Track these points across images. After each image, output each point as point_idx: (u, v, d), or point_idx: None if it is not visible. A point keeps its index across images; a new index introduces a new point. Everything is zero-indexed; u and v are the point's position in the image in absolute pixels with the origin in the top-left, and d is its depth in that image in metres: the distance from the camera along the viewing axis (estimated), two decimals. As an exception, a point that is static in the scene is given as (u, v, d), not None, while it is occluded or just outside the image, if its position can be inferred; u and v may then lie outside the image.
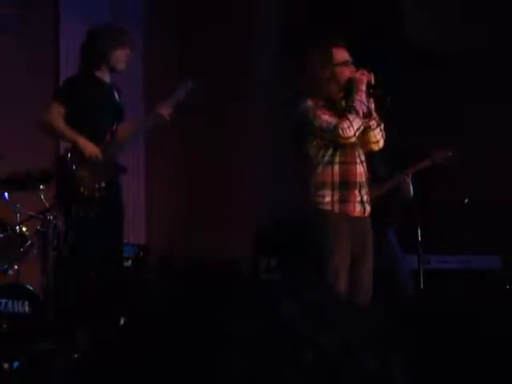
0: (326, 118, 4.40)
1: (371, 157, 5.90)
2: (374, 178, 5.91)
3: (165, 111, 5.20)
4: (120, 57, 5.15)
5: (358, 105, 4.42)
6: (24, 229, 5.75)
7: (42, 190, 6.02)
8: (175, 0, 8.64)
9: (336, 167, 4.43)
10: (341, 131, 4.36)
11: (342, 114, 4.44)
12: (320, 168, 4.43)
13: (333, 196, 4.41)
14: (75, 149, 5.01)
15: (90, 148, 4.98)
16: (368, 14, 7.85)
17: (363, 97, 4.45)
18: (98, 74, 5.14)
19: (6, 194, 5.79)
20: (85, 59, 5.21)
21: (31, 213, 5.88)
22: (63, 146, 6.09)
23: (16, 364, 5.01)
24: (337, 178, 4.42)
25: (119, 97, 5.36)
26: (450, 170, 6.24)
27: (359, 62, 4.60)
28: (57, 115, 5.04)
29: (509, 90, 7.68)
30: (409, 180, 6.07)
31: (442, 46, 8.02)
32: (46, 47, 7.77)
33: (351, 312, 0.95)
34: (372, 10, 7.89)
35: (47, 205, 5.96)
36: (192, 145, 8.29)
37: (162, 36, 8.51)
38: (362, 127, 4.45)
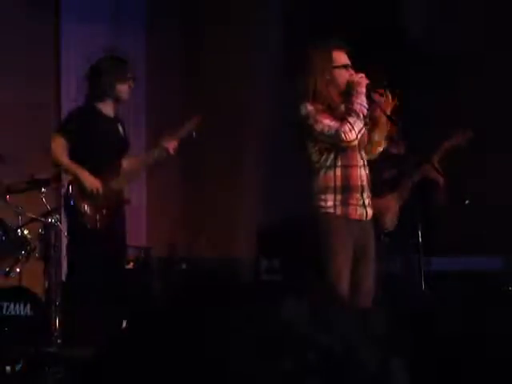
0: (327, 122, 4.41)
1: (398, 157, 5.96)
2: (402, 179, 5.93)
3: (171, 145, 5.24)
4: (123, 89, 5.18)
5: (357, 107, 4.42)
6: (26, 232, 5.75)
7: (44, 192, 6.02)
8: (177, 10, 8.65)
9: (338, 171, 4.44)
10: (343, 135, 4.36)
11: (342, 117, 4.44)
12: (322, 172, 4.44)
13: (335, 200, 4.43)
14: (77, 182, 5.04)
15: (90, 181, 5.02)
16: (368, 14, 7.85)
17: (363, 98, 4.45)
18: (102, 106, 5.16)
19: (8, 197, 5.79)
20: (88, 92, 5.24)
21: (33, 215, 5.89)
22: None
23: (18, 367, 5.02)
24: (339, 182, 4.43)
25: (124, 130, 5.39)
26: (451, 170, 6.26)
27: (359, 64, 4.61)
28: (59, 148, 5.08)
29: (509, 90, 7.68)
30: (436, 166, 6.09)
31: (442, 47, 8.02)
32: (46, 50, 7.78)
33: (352, 314, 0.95)
34: (372, 11, 7.89)
35: (49, 208, 5.97)
36: (193, 146, 8.29)
37: (164, 49, 8.52)
38: (364, 129, 4.46)
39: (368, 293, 4.48)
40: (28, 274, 5.82)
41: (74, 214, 5.04)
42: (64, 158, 5.09)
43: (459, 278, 6.93)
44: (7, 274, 5.65)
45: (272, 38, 8.43)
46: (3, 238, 5.56)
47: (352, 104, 4.43)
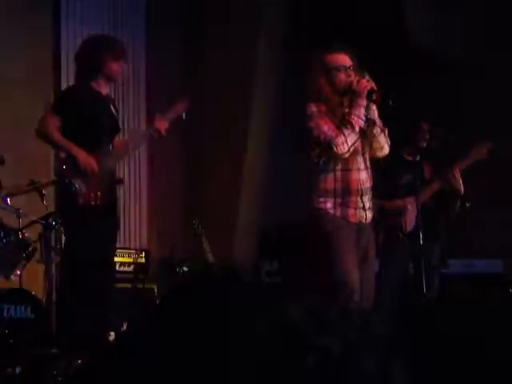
0: (325, 129, 4.40)
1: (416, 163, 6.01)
2: (419, 185, 5.97)
3: (162, 126, 5.24)
4: (115, 69, 5.16)
5: (354, 120, 4.41)
6: (26, 234, 5.75)
7: (45, 194, 6.03)
8: (177, 7, 8.65)
9: (338, 174, 4.45)
10: (335, 148, 4.37)
11: (339, 122, 4.44)
12: (323, 175, 4.45)
13: (335, 202, 4.44)
14: (71, 159, 5.02)
15: (85, 159, 5.00)
16: (369, 17, 7.86)
17: (361, 111, 4.43)
18: (95, 85, 5.14)
19: (9, 199, 5.79)
20: (80, 70, 5.22)
21: (34, 218, 5.89)
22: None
23: (18, 369, 5.01)
24: (339, 185, 4.45)
25: (115, 109, 5.38)
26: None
27: (361, 67, 4.60)
28: (53, 126, 5.05)
29: (509, 92, 7.69)
30: (458, 176, 6.16)
31: (443, 50, 8.03)
32: (46, 50, 7.78)
33: (353, 315, 0.95)
34: (373, 14, 7.89)
35: (49, 209, 5.97)
36: (194, 148, 8.30)
37: (164, 41, 8.52)
38: (357, 142, 4.45)
39: (369, 292, 4.49)
40: (29, 276, 5.82)
41: (67, 192, 5.01)
42: (57, 135, 5.06)
43: (460, 281, 6.93)
44: (8, 277, 5.65)
45: (274, 38, 8.43)
46: (4, 240, 5.55)
47: (349, 115, 4.42)
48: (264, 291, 1.01)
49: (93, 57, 5.09)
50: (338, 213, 4.44)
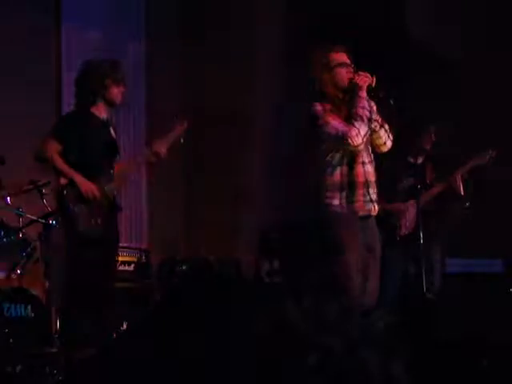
0: (335, 124, 4.45)
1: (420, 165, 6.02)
2: (421, 187, 5.98)
3: (162, 149, 5.26)
4: (114, 92, 5.15)
5: (361, 112, 4.46)
6: (26, 233, 5.75)
7: (45, 194, 6.03)
8: (176, 12, 8.65)
9: (344, 169, 4.50)
10: (350, 140, 4.41)
11: (346, 117, 4.48)
12: (329, 170, 4.50)
13: (341, 197, 4.47)
14: (71, 185, 5.02)
15: (86, 186, 4.99)
16: (370, 14, 7.86)
17: (364, 103, 4.50)
18: (94, 110, 5.13)
19: (9, 198, 5.79)
20: (79, 95, 5.21)
21: (34, 217, 5.89)
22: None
23: (19, 368, 5.02)
24: (345, 180, 4.49)
25: (115, 132, 5.38)
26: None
27: (361, 64, 4.63)
28: (53, 151, 5.04)
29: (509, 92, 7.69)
30: (459, 180, 6.16)
31: (444, 47, 8.02)
32: (47, 56, 7.79)
33: (355, 314, 0.95)
34: (374, 11, 7.89)
35: (49, 209, 5.97)
36: (194, 147, 8.29)
37: (164, 51, 8.53)
38: (369, 132, 4.50)
39: (374, 292, 4.51)
40: (29, 275, 5.82)
41: (69, 218, 5.03)
42: (58, 161, 5.06)
43: (461, 280, 6.93)
44: (8, 276, 5.65)
45: (274, 37, 8.43)
46: (4, 239, 5.56)
47: (355, 108, 4.46)
48: (264, 291, 1.01)
49: (93, 82, 5.09)
50: (345, 208, 4.47)
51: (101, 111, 5.16)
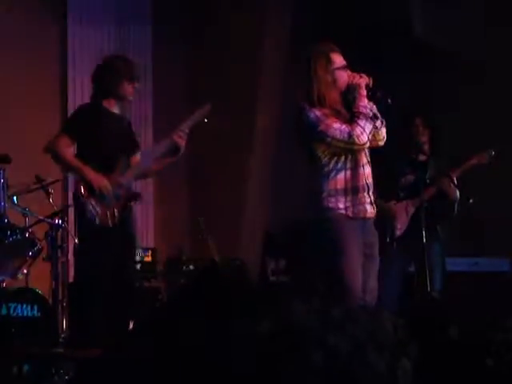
0: (338, 126, 4.41)
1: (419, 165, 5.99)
2: (420, 186, 5.95)
3: (181, 138, 5.18)
4: (129, 89, 5.16)
5: (363, 110, 4.45)
6: (33, 232, 5.76)
7: (51, 193, 6.04)
8: (181, 12, 8.66)
9: (348, 173, 4.47)
10: (356, 139, 4.39)
11: (346, 119, 4.46)
12: (332, 174, 4.46)
13: (346, 201, 4.45)
14: (84, 181, 5.01)
15: (97, 180, 4.99)
16: (378, 15, 7.85)
17: (365, 101, 4.48)
18: (107, 104, 5.14)
19: (15, 198, 5.80)
20: (94, 90, 5.21)
21: (40, 216, 5.90)
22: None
23: (25, 368, 5.02)
24: (349, 184, 4.46)
25: (130, 127, 5.37)
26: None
27: (364, 64, 4.62)
28: (64, 146, 5.05)
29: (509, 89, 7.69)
30: (452, 182, 6.11)
31: (452, 48, 8.01)
32: (53, 54, 7.80)
33: (360, 313, 0.95)
34: (382, 12, 7.89)
35: (56, 208, 5.98)
36: (200, 149, 8.30)
37: (170, 50, 8.53)
38: (373, 130, 4.48)
39: (373, 290, 4.51)
40: (35, 274, 5.83)
41: (83, 214, 5.02)
42: (69, 156, 5.07)
43: (467, 279, 6.92)
44: (14, 275, 5.66)
45: (278, 38, 8.43)
46: (10, 238, 5.56)
47: (357, 108, 4.45)
48: (270, 290, 1.00)
49: (107, 78, 5.10)
50: (350, 213, 4.45)
51: (112, 106, 5.17)
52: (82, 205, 5.00)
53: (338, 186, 4.46)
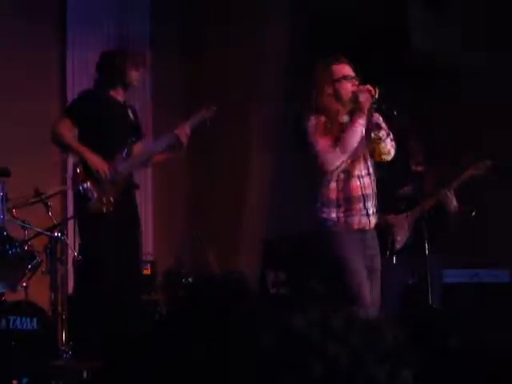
0: (321, 145, 4.42)
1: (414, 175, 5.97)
2: (418, 196, 5.93)
3: (183, 132, 5.19)
4: (134, 76, 5.18)
5: (348, 139, 4.43)
6: (32, 245, 5.75)
7: (50, 206, 6.03)
8: (180, 9, 8.67)
9: (340, 183, 4.47)
10: (325, 164, 4.40)
11: (337, 137, 4.47)
12: (325, 184, 4.47)
13: (338, 211, 4.45)
14: (83, 164, 5.00)
15: (97, 163, 4.97)
16: (375, 26, 7.86)
17: (363, 118, 4.47)
18: (112, 92, 5.14)
19: (14, 211, 5.80)
20: (101, 78, 5.21)
21: (39, 229, 5.89)
22: (70, 162, 6.11)
23: (25, 381, 5.01)
24: (341, 195, 4.47)
25: (135, 115, 5.36)
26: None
27: (365, 76, 4.62)
28: (66, 129, 5.04)
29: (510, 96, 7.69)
30: (451, 194, 6.09)
31: (452, 60, 8.02)
32: (51, 55, 7.81)
33: (360, 324, 0.94)
34: (380, 23, 7.90)
35: (55, 221, 5.97)
36: (199, 158, 8.30)
37: (169, 52, 8.54)
38: (344, 164, 4.46)
39: (375, 304, 4.49)
40: (34, 287, 5.82)
41: (79, 197, 5.00)
42: (69, 138, 5.05)
43: (468, 291, 6.91)
44: (13, 288, 5.65)
45: (280, 54, 8.44)
46: (10, 252, 5.55)
47: (345, 133, 4.44)
48: (269, 302, 1.00)
49: (117, 70, 5.11)
50: (342, 224, 4.45)
51: (118, 94, 5.17)
52: (79, 189, 4.98)
53: (330, 197, 4.47)
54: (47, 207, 6.01)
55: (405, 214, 6.04)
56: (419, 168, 6.19)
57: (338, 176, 4.47)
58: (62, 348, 5.67)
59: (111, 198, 4.97)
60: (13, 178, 5.71)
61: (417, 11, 8.09)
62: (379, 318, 0.93)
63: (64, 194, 6.88)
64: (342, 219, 4.45)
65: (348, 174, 4.49)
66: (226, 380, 0.88)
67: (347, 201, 4.46)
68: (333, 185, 4.46)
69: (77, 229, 5.39)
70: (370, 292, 4.45)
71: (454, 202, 6.12)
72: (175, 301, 7.42)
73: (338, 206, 4.45)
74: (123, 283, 4.97)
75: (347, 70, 4.57)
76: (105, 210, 4.95)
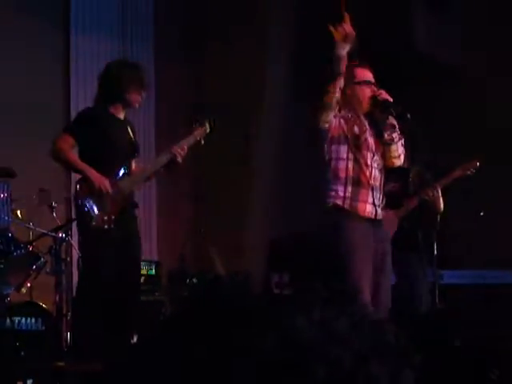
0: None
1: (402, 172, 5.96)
2: (404, 195, 5.91)
3: (179, 151, 5.19)
4: (135, 98, 5.15)
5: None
6: (37, 246, 5.76)
7: (54, 207, 6.04)
8: (185, 22, 8.69)
9: (350, 164, 4.51)
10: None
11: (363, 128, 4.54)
12: (333, 162, 4.50)
13: (345, 191, 4.46)
14: (85, 181, 5.00)
15: (98, 180, 4.97)
16: (379, 28, 7.86)
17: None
18: (113, 110, 5.14)
19: (19, 212, 5.81)
20: (101, 95, 5.20)
21: (44, 230, 5.90)
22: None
23: (30, 382, 5.02)
24: (350, 174, 4.48)
25: (133, 134, 5.36)
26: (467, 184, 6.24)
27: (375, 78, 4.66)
28: (67, 146, 5.04)
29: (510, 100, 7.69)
30: (438, 192, 6.08)
31: (454, 62, 8.03)
32: (56, 64, 7.83)
33: (365, 325, 0.94)
34: (383, 25, 7.90)
35: (59, 222, 5.99)
36: (204, 159, 8.31)
37: (172, 60, 8.55)
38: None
39: (385, 305, 4.46)
40: (39, 288, 5.83)
41: (81, 214, 5.00)
42: (71, 155, 5.05)
43: (472, 292, 6.91)
44: (18, 289, 5.66)
45: (285, 41, 8.45)
46: (14, 253, 5.56)
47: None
48: (273, 303, 1.00)
49: (117, 85, 5.09)
50: (348, 205, 4.44)
51: (118, 111, 5.16)
52: (81, 205, 4.98)
53: (339, 175, 4.49)
54: (52, 208, 6.02)
55: (391, 212, 5.99)
56: (405, 165, 6.15)
57: (349, 156, 4.50)
58: (66, 349, 5.68)
59: (112, 216, 4.98)
60: (17, 179, 5.71)
61: (420, 11, 8.10)
62: (381, 319, 0.93)
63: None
64: (348, 201, 4.45)
65: (358, 157, 4.52)
66: (227, 381, 0.88)
67: (356, 182, 4.47)
68: (342, 164, 4.49)
69: (78, 245, 5.40)
70: (380, 291, 4.43)
71: (441, 202, 6.11)
72: (179, 301, 7.42)
73: (346, 185, 4.46)
74: (122, 299, 4.98)
75: (368, 74, 4.64)
76: (106, 227, 4.96)
